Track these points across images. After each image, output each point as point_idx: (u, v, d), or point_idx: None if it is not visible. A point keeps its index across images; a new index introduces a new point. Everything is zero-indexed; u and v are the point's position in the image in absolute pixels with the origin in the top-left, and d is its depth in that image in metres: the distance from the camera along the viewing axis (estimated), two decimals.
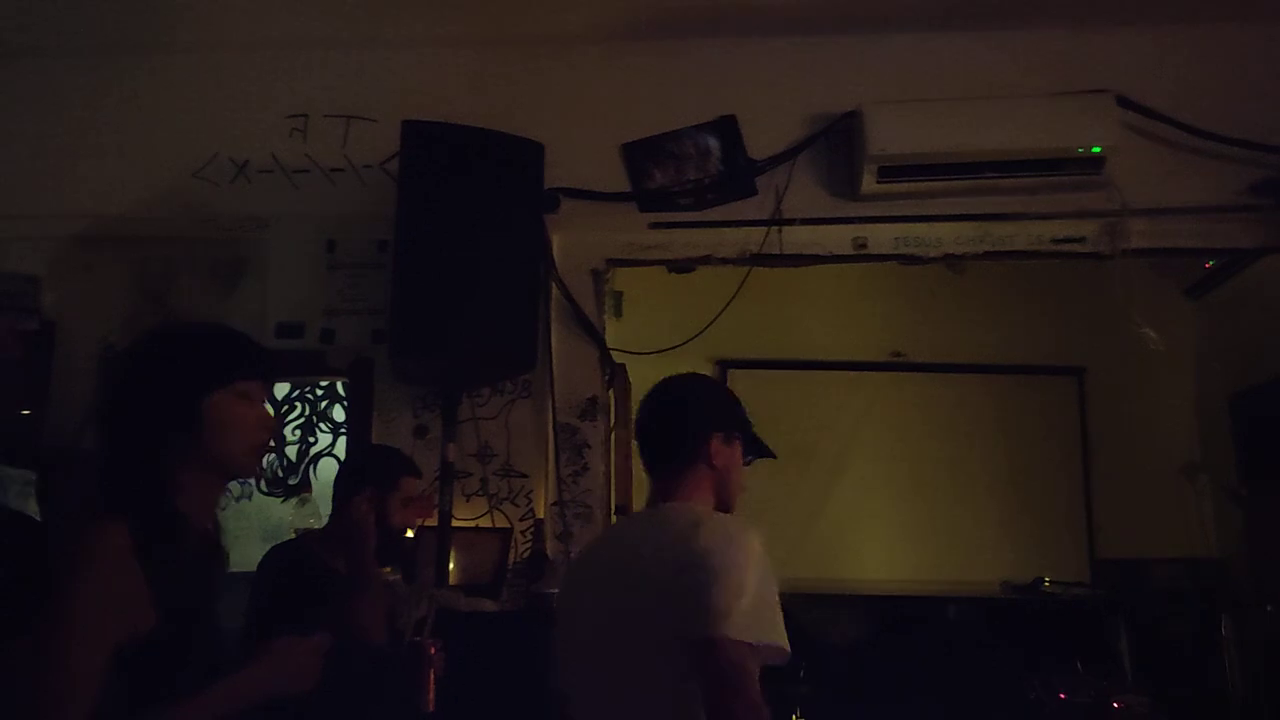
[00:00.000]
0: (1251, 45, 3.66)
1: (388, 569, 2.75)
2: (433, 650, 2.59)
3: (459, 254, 3.29)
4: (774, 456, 2.18)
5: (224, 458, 1.68)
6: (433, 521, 3.30)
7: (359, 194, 3.80)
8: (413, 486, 2.84)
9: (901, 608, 4.75)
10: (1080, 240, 3.62)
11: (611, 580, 1.93)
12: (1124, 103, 3.54)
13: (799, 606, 5.08)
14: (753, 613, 1.72)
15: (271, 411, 1.85)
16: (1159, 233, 3.60)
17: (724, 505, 2.06)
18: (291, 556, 2.73)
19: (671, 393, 2.16)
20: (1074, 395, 5.24)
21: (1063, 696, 3.57)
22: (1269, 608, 3.95)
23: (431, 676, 2.57)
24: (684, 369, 5.03)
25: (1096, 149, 3.46)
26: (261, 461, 1.77)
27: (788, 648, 1.74)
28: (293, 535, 3.86)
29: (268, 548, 4.13)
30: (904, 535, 5.03)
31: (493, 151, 3.39)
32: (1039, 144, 3.49)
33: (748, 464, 2.13)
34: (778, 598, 1.78)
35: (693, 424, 2.06)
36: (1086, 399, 5.23)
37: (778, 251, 3.71)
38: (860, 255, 3.73)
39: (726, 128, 3.80)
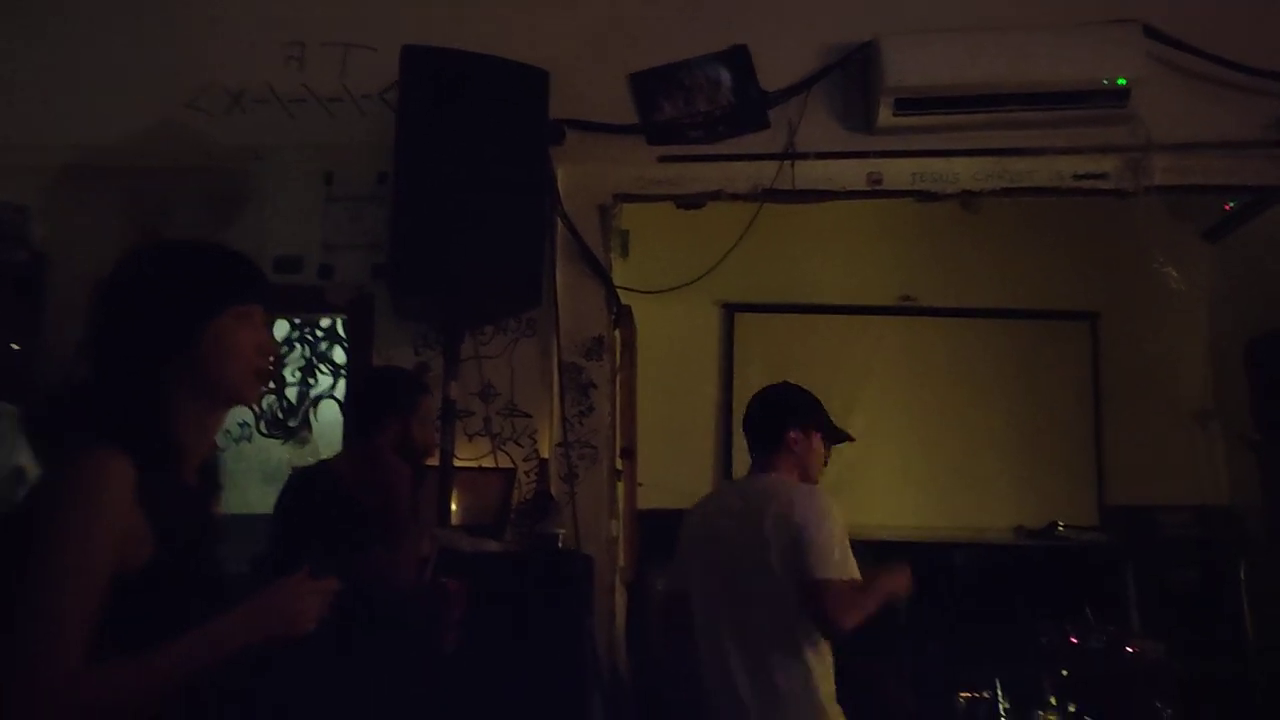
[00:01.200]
0: None
1: None
2: (455, 589, 2.53)
3: (461, 186, 3.19)
4: (852, 439, 2.97)
5: (224, 383, 1.59)
6: (434, 461, 3.22)
7: (358, 125, 3.69)
8: (429, 405, 2.79)
9: (909, 553, 4.68)
10: (1102, 176, 3.51)
11: (739, 534, 2.72)
12: (1150, 33, 3.42)
13: None
14: (842, 558, 2.57)
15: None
16: (1183, 169, 3.49)
17: (806, 477, 2.82)
18: (321, 486, 2.63)
19: (764, 397, 2.96)
20: (1087, 341, 5.14)
21: (1074, 641, 3.52)
22: None
23: (453, 616, 2.51)
24: (690, 310, 5.06)
25: (1122, 80, 3.34)
26: (263, 388, 1.68)
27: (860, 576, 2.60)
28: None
29: (267, 490, 4.09)
30: (911, 480, 4.97)
31: (495, 79, 3.27)
32: (1062, 75, 3.38)
33: (830, 448, 2.90)
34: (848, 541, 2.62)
35: (775, 421, 2.86)
36: (1100, 344, 5.14)
37: (790, 187, 3.60)
38: (875, 191, 3.62)
39: (738, 58, 3.67)
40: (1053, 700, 3.67)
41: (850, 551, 2.60)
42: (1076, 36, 3.41)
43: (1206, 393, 5.00)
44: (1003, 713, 3.62)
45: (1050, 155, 3.51)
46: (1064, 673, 3.70)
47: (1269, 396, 4.59)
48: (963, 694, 3.67)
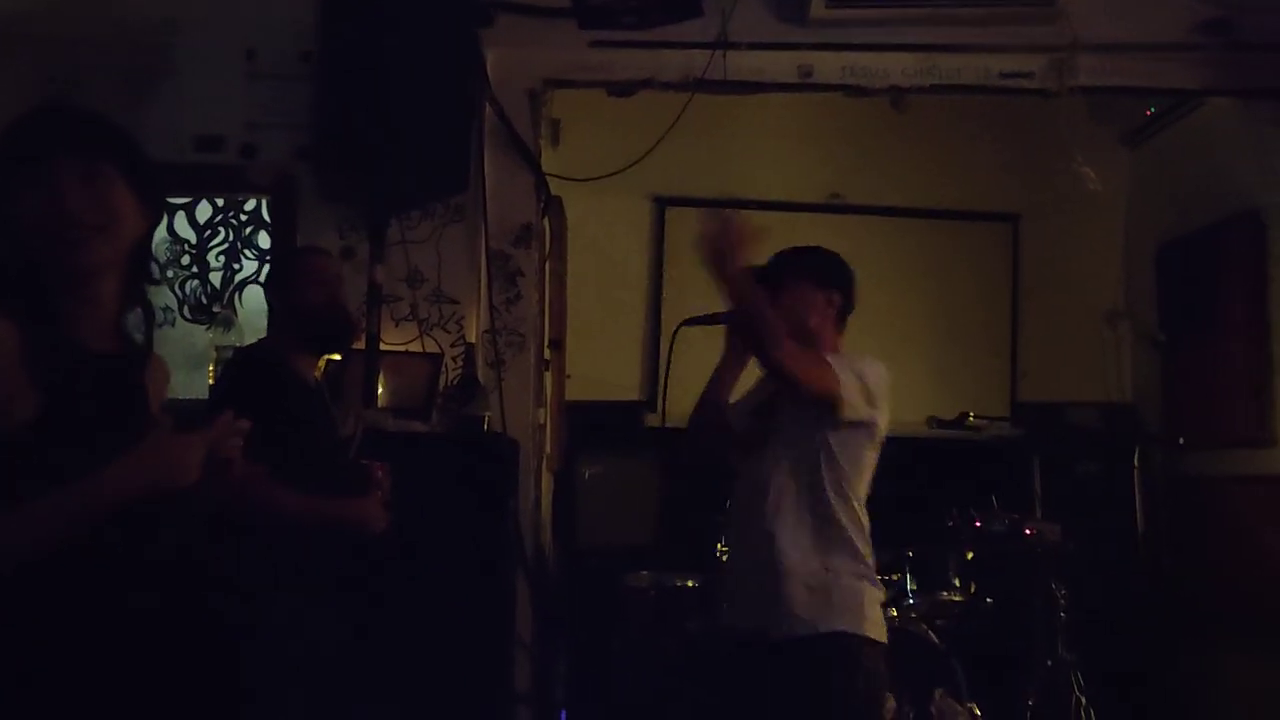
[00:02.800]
0: None
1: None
2: (380, 473, 2.56)
3: (387, 66, 3.13)
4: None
5: (34, 257, 1.50)
6: (360, 344, 3.23)
7: None
8: (317, 262, 2.76)
9: None
10: (1028, 75, 3.56)
11: None
12: None
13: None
14: None
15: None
16: (1106, 70, 3.55)
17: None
18: (269, 363, 2.60)
19: None
20: (1008, 241, 5.26)
21: (978, 524, 3.69)
22: (1180, 441, 4.10)
23: (378, 499, 2.55)
24: (621, 203, 5.05)
25: None
26: (73, 251, 1.51)
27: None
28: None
29: (191, 376, 4.04)
30: None
31: None
32: None
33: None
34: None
35: None
36: (1020, 245, 5.26)
37: (722, 77, 3.59)
38: (806, 84, 3.64)
39: None
40: (956, 582, 3.87)
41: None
42: None
43: (1117, 294, 5.17)
44: (909, 594, 3.80)
45: (978, 53, 3.55)
46: (969, 555, 3.90)
47: (1174, 299, 4.77)
48: None
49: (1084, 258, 5.20)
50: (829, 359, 2.44)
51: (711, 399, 2.57)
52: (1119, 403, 5.04)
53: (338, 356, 3.09)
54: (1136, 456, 3.70)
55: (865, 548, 2.42)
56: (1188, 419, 4.51)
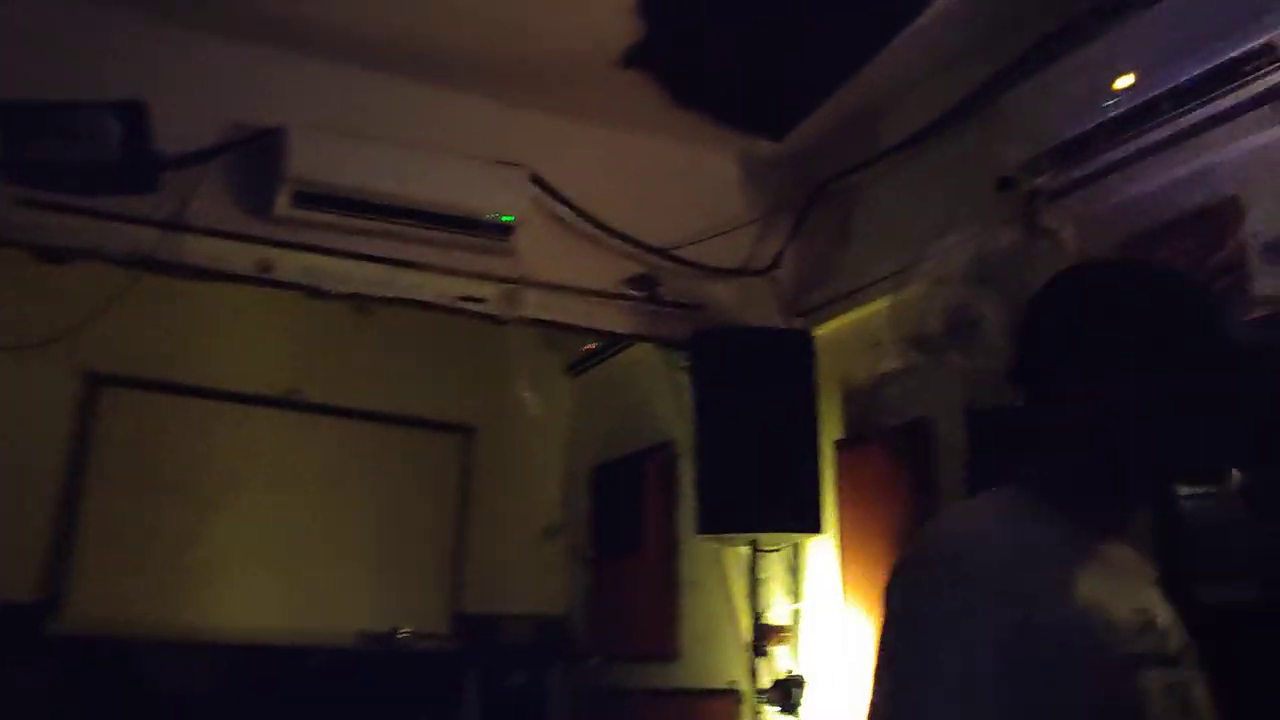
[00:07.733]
0: (647, 155, 4.11)
1: None
2: None
3: None
4: None
5: None
6: None
7: None
8: None
9: (260, 657, 4.49)
10: (482, 300, 3.78)
11: None
12: (536, 180, 3.79)
13: (143, 655, 4.60)
14: None
15: None
16: (551, 306, 3.88)
17: None
18: None
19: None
20: (461, 453, 5.44)
21: None
22: (594, 659, 4.36)
23: None
24: (44, 376, 4.48)
25: (507, 217, 3.66)
26: None
27: None
28: None
29: None
30: (273, 581, 4.79)
31: None
32: (456, 201, 3.60)
33: None
34: None
35: None
36: (473, 458, 5.46)
37: (173, 259, 3.38)
38: (264, 279, 3.53)
39: (134, 114, 3.38)
40: None
41: None
42: (474, 169, 3.67)
43: (557, 511, 5.53)
44: None
45: (438, 273, 3.71)
46: None
47: (604, 519, 5.22)
48: None
49: (530, 475, 5.53)
50: None
51: None
52: (551, 615, 5.31)
53: None
54: (562, 670, 3.86)
55: None
56: (610, 633, 4.84)
